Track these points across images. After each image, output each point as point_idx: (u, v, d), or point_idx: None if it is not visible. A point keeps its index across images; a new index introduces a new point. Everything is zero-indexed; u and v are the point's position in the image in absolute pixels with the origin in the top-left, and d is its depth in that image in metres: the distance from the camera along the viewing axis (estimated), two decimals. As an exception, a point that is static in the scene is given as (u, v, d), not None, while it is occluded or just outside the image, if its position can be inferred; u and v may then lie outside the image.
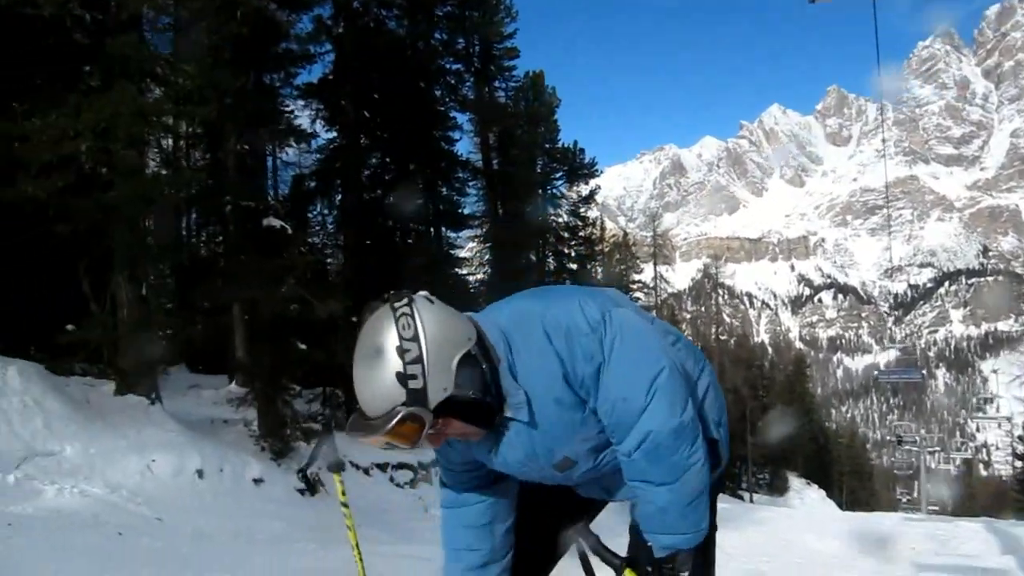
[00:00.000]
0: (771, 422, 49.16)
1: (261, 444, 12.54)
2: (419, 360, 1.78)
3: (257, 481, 11.11)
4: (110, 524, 7.95)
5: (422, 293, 1.91)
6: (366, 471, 14.10)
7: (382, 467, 14.67)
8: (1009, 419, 41.65)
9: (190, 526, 8.72)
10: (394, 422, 1.77)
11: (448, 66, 23.60)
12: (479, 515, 2.21)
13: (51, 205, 10.26)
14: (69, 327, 11.15)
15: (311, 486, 2.61)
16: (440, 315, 1.86)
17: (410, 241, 20.55)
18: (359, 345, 1.88)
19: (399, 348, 1.78)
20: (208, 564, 6.63)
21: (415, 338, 1.79)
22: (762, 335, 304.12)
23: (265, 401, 13.07)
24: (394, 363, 1.78)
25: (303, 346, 13.73)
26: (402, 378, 1.77)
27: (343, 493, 2.52)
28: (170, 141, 16.77)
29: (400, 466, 15.18)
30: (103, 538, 7.40)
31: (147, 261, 11.80)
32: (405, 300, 1.86)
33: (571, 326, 1.87)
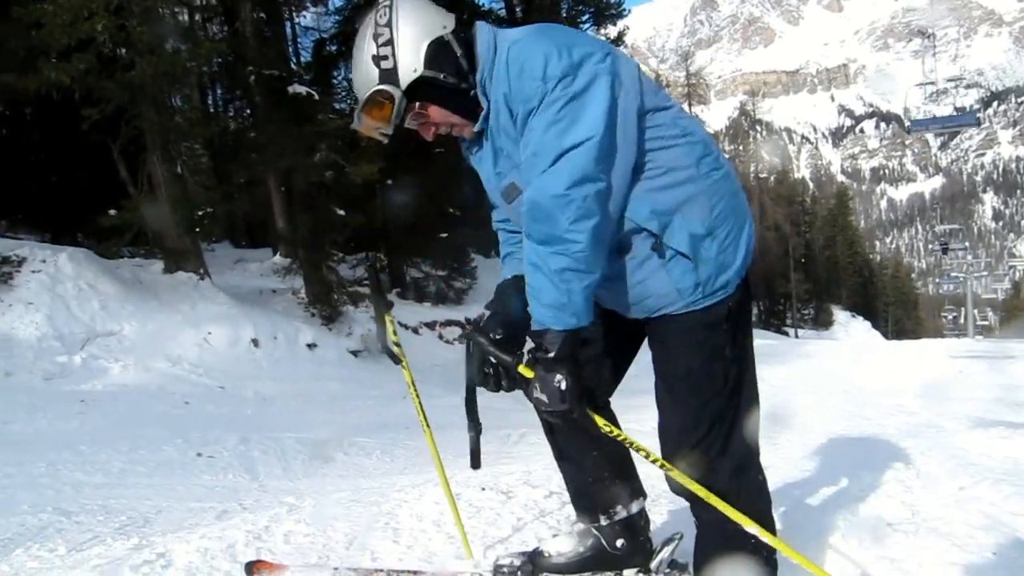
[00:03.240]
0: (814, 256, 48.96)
1: (311, 311, 12.84)
2: (389, 42, 1.94)
3: (310, 346, 11.45)
4: (176, 394, 8.33)
5: None
6: (415, 330, 14.42)
7: (430, 325, 14.99)
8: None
9: (251, 391, 9.09)
10: (365, 98, 1.96)
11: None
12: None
13: (76, 89, 10.24)
14: (111, 211, 11.33)
15: (394, 357, 2.70)
16: (416, 5, 1.99)
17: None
18: None
19: (374, 34, 1.95)
20: (272, 424, 6.93)
21: (388, 24, 1.94)
22: (803, 170, 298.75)
23: (310, 269, 13.28)
24: (370, 47, 1.95)
25: (341, 212, 13.80)
26: (375, 59, 1.95)
27: (395, 333, 2.55)
28: (186, 16, 16.42)
29: (448, 323, 15.49)
30: (171, 406, 7.76)
31: (178, 138, 11.79)
32: None
33: (526, 66, 1.88)
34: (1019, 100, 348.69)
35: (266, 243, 17.81)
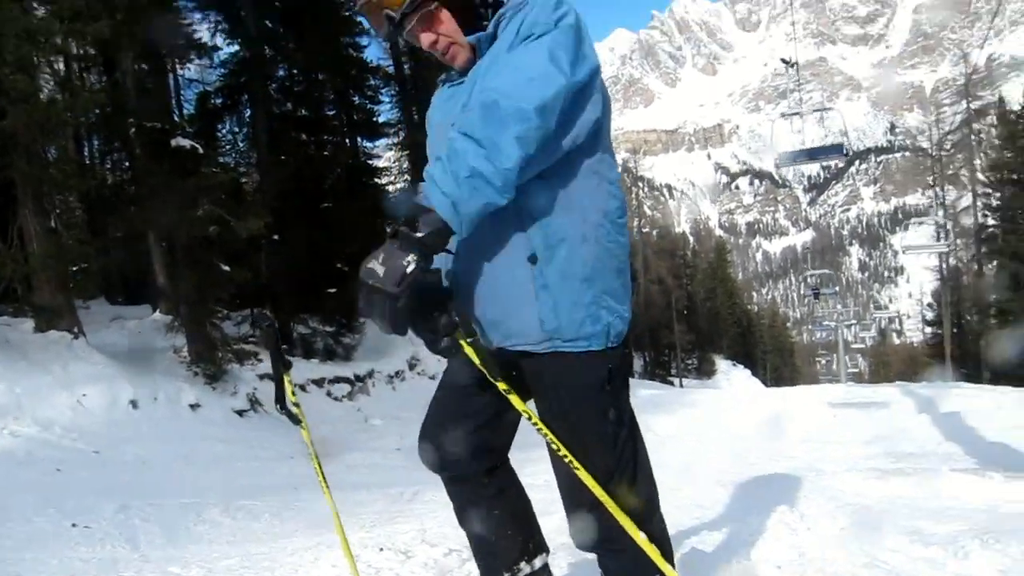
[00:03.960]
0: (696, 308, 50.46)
1: (193, 369, 12.38)
2: None
3: (193, 406, 11.03)
4: (46, 460, 7.84)
5: None
6: (303, 387, 14.09)
7: (318, 383, 14.68)
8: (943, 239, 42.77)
9: (130, 455, 8.65)
10: None
11: (350, -32, 22.69)
12: None
13: (-59, 139, 9.72)
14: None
15: (293, 418, 2.59)
16: None
17: (326, 153, 20.05)
18: None
19: None
20: (153, 489, 6.63)
21: None
22: (683, 225, 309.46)
23: (193, 326, 12.84)
24: None
25: (226, 267, 13.46)
26: None
27: (293, 393, 2.50)
28: (62, 64, 15.87)
29: (336, 380, 15.22)
30: (41, 474, 7.31)
31: (52, 190, 11.30)
32: None
33: (548, 6, 1.95)
34: (878, 159, 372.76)
35: (145, 299, 17.13)
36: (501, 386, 1.94)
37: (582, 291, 1.96)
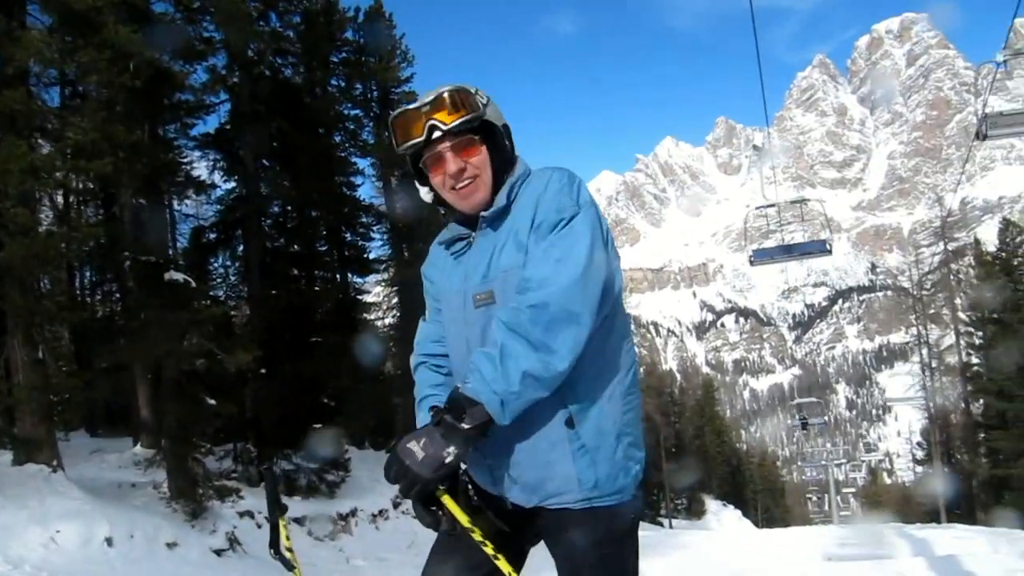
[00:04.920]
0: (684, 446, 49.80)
1: (173, 506, 12.06)
2: (487, 97, 2.17)
3: (171, 545, 10.70)
4: (15, 601, 7.55)
5: None
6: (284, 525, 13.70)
7: (299, 521, 14.29)
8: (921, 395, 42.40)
9: (102, 596, 8.34)
10: (455, 87, 2.11)
11: (347, 112, 23.52)
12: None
13: (-64, 268, 9.80)
14: (-42, 396, 10.59)
15: (287, 563, 2.53)
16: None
17: (316, 288, 20.27)
18: None
19: (476, 91, 2.16)
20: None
21: (486, 99, 2.17)
22: (670, 362, 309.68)
23: (175, 461, 12.60)
24: (471, 88, 2.15)
25: (212, 401, 13.34)
26: (476, 92, 2.14)
27: (288, 537, 2.47)
28: (61, 197, 16.21)
29: (318, 518, 14.83)
30: (9, 616, 7.02)
31: (43, 322, 11.31)
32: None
33: (565, 187, 2.07)
34: (860, 298, 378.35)
35: (126, 431, 16.87)
36: (497, 559, 1.99)
37: (615, 447, 2.04)
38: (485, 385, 1.83)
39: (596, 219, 2.02)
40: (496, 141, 2.16)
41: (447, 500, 1.96)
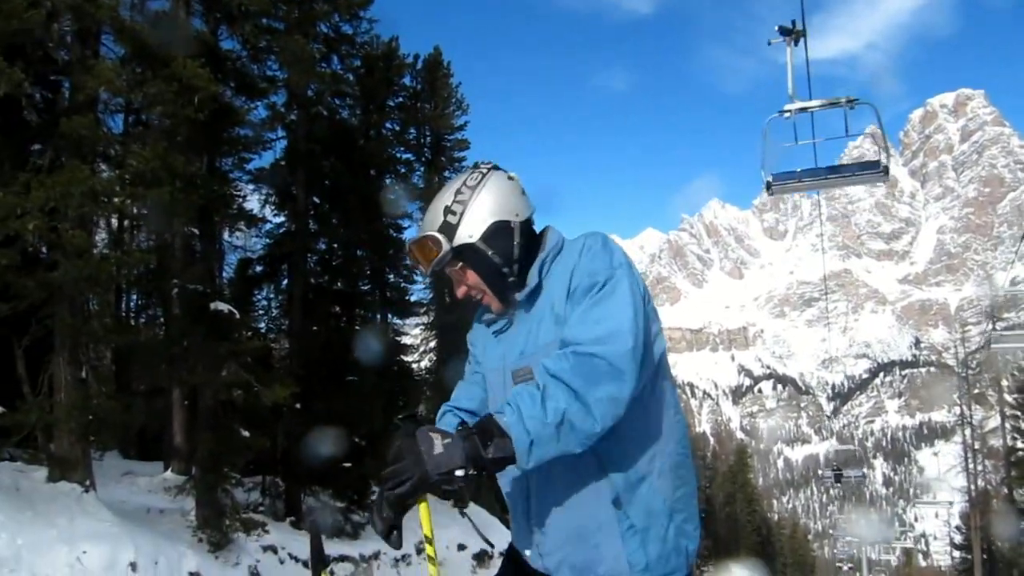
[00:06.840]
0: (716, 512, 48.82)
1: (198, 535, 12.10)
2: (464, 204, 2.15)
3: (193, 574, 10.70)
4: (37, 620, 7.58)
5: (510, 173, 2.24)
6: (305, 564, 13.66)
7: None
8: (950, 504, 41.46)
9: (122, 622, 8.34)
10: (419, 236, 2.18)
11: (399, 155, 23.93)
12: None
13: (-7, 285, 10.04)
14: (1, 410, 10.76)
15: None
16: (505, 186, 2.20)
17: (357, 327, 20.42)
18: None
19: (458, 188, 2.18)
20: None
21: (474, 188, 2.16)
22: (703, 425, 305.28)
23: (204, 490, 12.66)
24: (448, 197, 2.18)
25: (246, 433, 13.42)
26: (446, 209, 2.16)
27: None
28: (116, 222, 16.60)
29: (341, 559, 14.76)
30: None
31: (89, 342, 11.52)
32: (491, 165, 2.24)
33: (598, 253, 2.06)
34: (903, 373, 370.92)
35: (158, 456, 17.00)
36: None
37: (666, 526, 2.00)
38: (520, 421, 1.78)
39: (633, 279, 2.00)
40: (479, 257, 2.16)
41: (424, 508, 1.97)
